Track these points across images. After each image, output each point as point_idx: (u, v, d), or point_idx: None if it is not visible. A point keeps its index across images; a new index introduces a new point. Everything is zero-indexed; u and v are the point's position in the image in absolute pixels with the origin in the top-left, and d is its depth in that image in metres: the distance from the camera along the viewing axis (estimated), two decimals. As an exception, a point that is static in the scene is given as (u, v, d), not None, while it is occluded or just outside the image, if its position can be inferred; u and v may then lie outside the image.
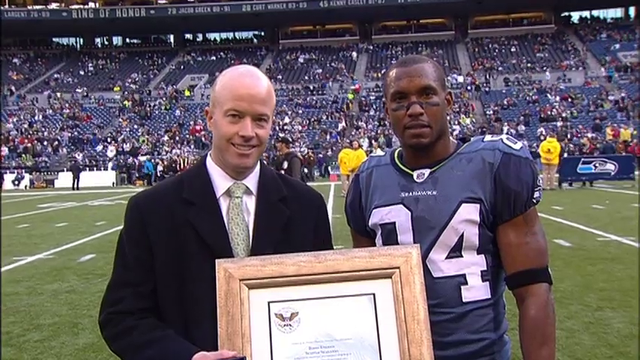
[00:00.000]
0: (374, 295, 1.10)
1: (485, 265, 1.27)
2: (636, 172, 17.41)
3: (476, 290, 1.25)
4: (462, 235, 1.24)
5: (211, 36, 50.10)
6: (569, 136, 27.36)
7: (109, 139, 33.14)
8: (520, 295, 1.25)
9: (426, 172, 1.30)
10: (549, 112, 31.34)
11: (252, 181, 1.25)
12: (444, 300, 1.24)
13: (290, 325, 1.07)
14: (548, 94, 33.88)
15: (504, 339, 1.31)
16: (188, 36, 49.74)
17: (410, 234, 1.28)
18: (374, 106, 35.08)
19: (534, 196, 1.26)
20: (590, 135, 26.59)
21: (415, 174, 1.31)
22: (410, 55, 1.38)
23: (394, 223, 1.30)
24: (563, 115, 31.06)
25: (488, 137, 1.32)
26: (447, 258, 1.25)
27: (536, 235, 1.26)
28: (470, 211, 1.24)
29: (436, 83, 1.27)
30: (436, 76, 1.28)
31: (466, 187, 1.25)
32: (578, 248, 6.84)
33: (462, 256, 1.25)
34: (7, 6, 43.15)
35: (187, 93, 38.75)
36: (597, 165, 17.06)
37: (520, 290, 1.24)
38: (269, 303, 1.09)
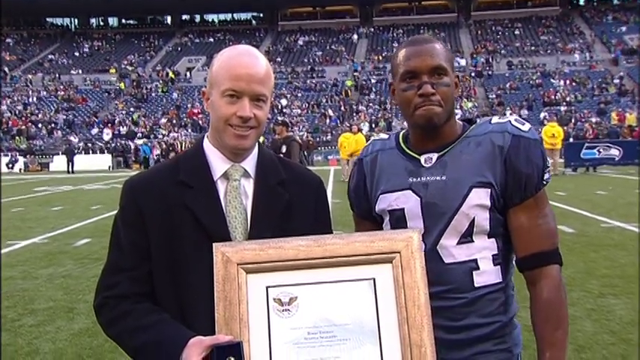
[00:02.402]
0: (374, 279, 1.08)
1: (497, 248, 1.26)
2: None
3: (487, 275, 1.25)
4: (473, 220, 1.23)
5: (209, 17, 49.55)
6: (573, 120, 27.22)
7: (104, 122, 32.92)
8: (532, 277, 1.24)
9: (434, 156, 1.28)
10: (553, 97, 31.16)
11: (250, 163, 1.23)
12: (455, 285, 1.24)
13: (288, 309, 1.06)
14: (552, 78, 33.68)
15: (514, 321, 1.31)
16: (185, 17, 49.14)
17: (420, 220, 1.27)
18: (374, 90, 34.88)
19: (544, 178, 1.25)
20: (594, 120, 26.44)
21: (423, 158, 1.29)
22: (419, 36, 1.34)
23: (403, 209, 1.29)
24: (567, 99, 30.89)
25: (495, 119, 1.30)
26: (458, 243, 1.24)
27: (547, 216, 1.25)
28: (481, 196, 1.23)
29: (447, 64, 1.26)
30: (446, 57, 1.26)
31: (476, 171, 1.24)
32: (581, 234, 6.82)
33: (473, 241, 1.24)
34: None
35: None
36: (601, 150, 17.01)
37: (532, 272, 1.24)
38: (267, 287, 1.07)
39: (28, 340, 3.71)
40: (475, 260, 1.24)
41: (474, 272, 1.24)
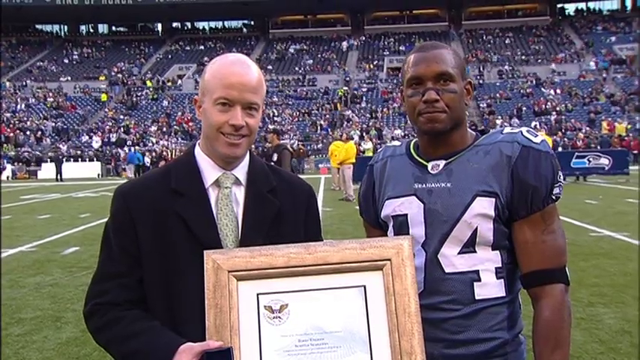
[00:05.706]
0: (364, 287, 1.08)
1: (501, 261, 1.23)
2: (630, 167, 17.51)
3: (490, 287, 1.21)
4: (476, 230, 1.20)
5: (200, 25, 49.59)
6: (563, 129, 27.52)
7: (94, 130, 32.67)
8: (535, 295, 1.21)
9: (441, 163, 1.26)
10: (544, 106, 31.46)
11: (241, 171, 1.23)
12: (455, 296, 1.21)
13: (279, 317, 1.06)
14: (543, 88, 34.04)
15: (520, 339, 1.27)
16: (176, 24, 49.14)
17: (422, 227, 1.24)
18: (365, 99, 35.02)
19: (554, 193, 1.21)
20: (584, 129, 26.77)
21: (430, 165, 1.27)
22: (429, 42, 1.33)
23: (406, 215, 1.27)
24: (558, 108, 31.17)
25: (507, 129, 1.28)
26: (459, 253, 1.22)
27: (554, 233, 1.21)
28: (484, 205, 1.20)
29: (454, 70, 1.23)
30: (455, 64, 1.24)
31: (482, 180, 1.21)
32: (571, 243, 6.76)
33: (475, 252, 1.21)
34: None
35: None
36: (591, 159, 17.06)
37: (535, 290, 1.20)
38: (258, 295, 1.07)
39: (15, 350, 3.65)
40: (477, 271, 1.21)
41: (475, 283, 1.20)
